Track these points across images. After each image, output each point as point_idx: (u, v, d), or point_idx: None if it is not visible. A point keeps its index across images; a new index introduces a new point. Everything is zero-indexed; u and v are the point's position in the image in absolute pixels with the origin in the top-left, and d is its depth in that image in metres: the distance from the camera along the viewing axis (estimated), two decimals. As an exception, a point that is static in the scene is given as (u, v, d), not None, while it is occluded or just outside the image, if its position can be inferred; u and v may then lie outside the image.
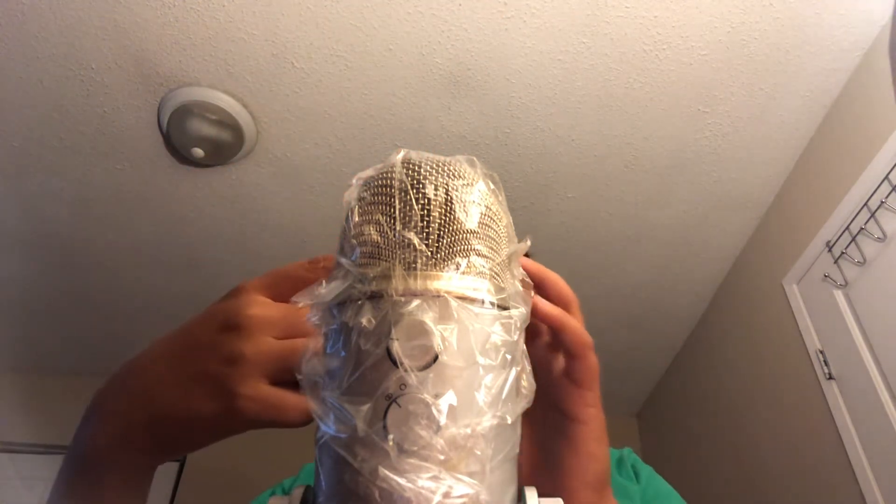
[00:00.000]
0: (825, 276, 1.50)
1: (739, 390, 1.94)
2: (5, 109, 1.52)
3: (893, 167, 1.30)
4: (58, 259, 1.99)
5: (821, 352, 1.52)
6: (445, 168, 0.32)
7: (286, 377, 0.34)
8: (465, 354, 0.29)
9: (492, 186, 0.34)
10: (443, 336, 0.28)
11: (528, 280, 0.34)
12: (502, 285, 0.32)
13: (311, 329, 0.33)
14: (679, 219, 1.81)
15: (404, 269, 0.30)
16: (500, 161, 1.64)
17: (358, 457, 0.27)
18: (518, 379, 0.31)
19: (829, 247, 1.48)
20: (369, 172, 0.34)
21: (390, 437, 0.27)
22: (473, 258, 0.31)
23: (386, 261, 0.30)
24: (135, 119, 1.55)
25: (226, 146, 1.55)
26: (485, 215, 0.32)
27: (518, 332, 0.31)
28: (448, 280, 0.30)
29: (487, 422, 0.28)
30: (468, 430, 0.27)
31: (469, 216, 0.31)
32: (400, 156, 0.33)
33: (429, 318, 0.28)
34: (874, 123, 1.37)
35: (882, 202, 1.32)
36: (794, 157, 1.64)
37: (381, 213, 0.31)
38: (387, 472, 0.26)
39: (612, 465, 0.69)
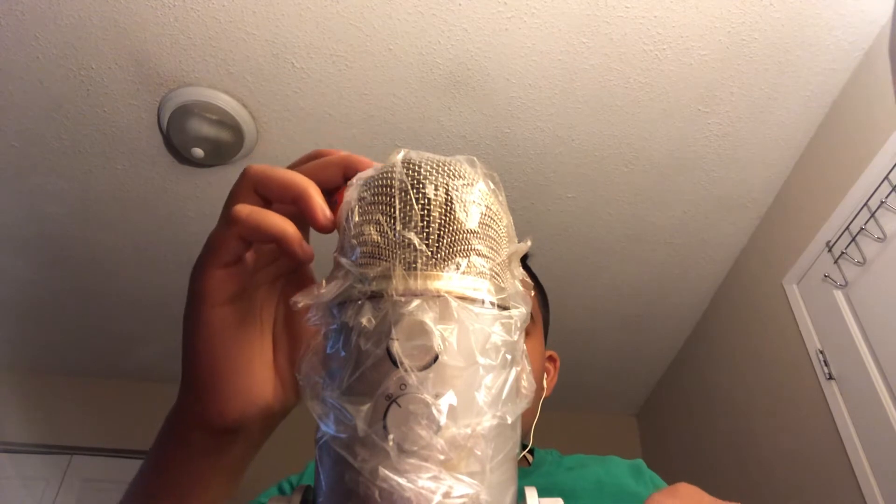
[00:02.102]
0: (825, 276, 1.50)
1: (739, 390, 1.94)
2: (5, 109, 1.52)
3: (893, 167, 1.30)
4: (58, 259, 1.99)
5: (821, 352, 1.52)
6: (445, 168, 0.32)
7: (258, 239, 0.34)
8: (465, 354, 0.29)
9: (492, 186, 0.34)
10: (443, 336, 0.28)
11: (528, 280, 0.34)
12: (502, 285, 0.32)
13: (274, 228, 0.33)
14: (679, 219, 1.81)
15: (404, 269, 0.30)
16: (500, 161, 1.64)
17: (358, 457, 0.27)
18: (518, 379, 0.31)
19: (829, 247, 1.48)
20: (369, 172, 0.34)
21: (390, 437, 0.27)
22: (474, 258, 0.31)
23: (386, 261, 0.30)
24: (135, 119, 1.55)
25: (226, 146, 1.55)
26: (485, 215, 0.32)
27: (518, 332, 0.31)
28: (448, 280, 0.30)
29: (487, 422, 0.28)
30: (468, 430, 0.27)
31: (469, 216, 0.31)
32: (400, 156, 0.33)
33: (429, 318, 0.28)
34: (874, 123, 1.37)
35: (882, 202, 1.32)
36: (794, 157, 1.64)
37: (382, 213, 0.31)
38: (387, 472, 0.26)
39: (625, 474, 0.69)
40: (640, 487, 0.67)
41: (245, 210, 0.34)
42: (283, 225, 0.33)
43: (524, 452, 0.72)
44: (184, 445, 0.37)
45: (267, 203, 0.35)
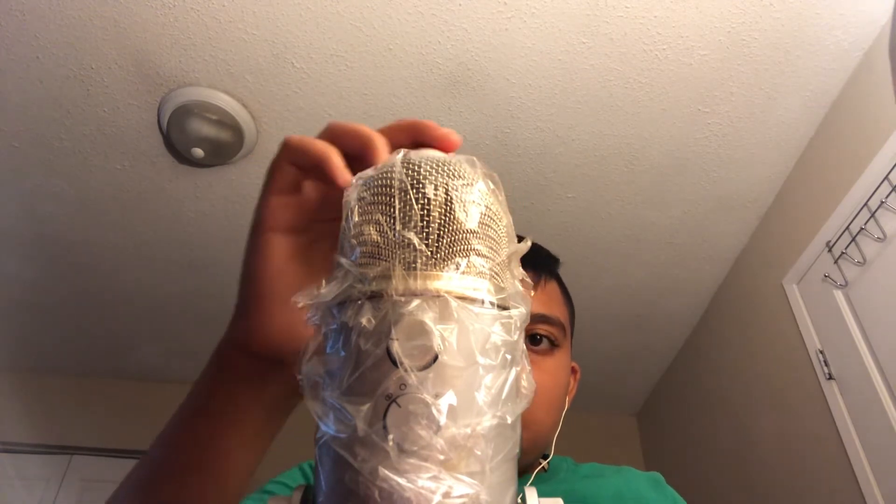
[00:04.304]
0: (825, 276, 1.50)
1: (739, 390, 1.94)
2: (5, 109, 1.52)
3: (893, 167, 1.30)
4: (58, 259, 1.99)
5: (821, 352, 1.52)
6: (445, 168, 0.32)
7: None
8: (465, 354, 0.29)
9: (492, 186, 0.34)
10: (443, 336, 0.28)
11: (527, 280, 0.34)
12: (502, 285, 0.32)
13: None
14: (679, 219, 1.81)
15: (404, 269, 0.30)
16: (500, 161, 1.64)
17: (358, 457, 0.27)
18: (518, 379, 0.31)
19: (829, 247, 1.48)
20: (369, 172, 0.34)
21: (390, 437, 0.27)
22: (473, 258, 0.31)
23: (386, 261, 0.30)
24: (135, 119, 1.55)
25: (226, 146, 1.55)
26: (485, 215, 0.32)
27: (518, 332, 0.31)
28: (448, 280, 0.30)
29: (487, 422, 0.28)
30: (468, 430, 0.27)
31: (469, 216, 0.31)
32: (400, 156, 0.33)
33: (429, 318, 0.28)
34: (874, 123, 1.37)
35: (882, 202, 1.32)
36: (794, 157, 1.64)
37: (381, 213, 0.31)
38: (387, 473, 0.26)
39: (645, 486, 0.68)
40: (660, 499, 0.66)
41: (295, 137, 0.36)
42: (326, 148, 0.35)
43: (545, 463, 0.71)
44: (225, 368, 0.38)
45: (302, 170, 0.37)
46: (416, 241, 0.30)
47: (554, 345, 0.68)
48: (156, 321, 2.26)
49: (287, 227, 0.37)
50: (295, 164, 0.36)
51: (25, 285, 2.10)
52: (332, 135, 0.36)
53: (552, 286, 0.74)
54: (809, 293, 1.59)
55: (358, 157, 0.35)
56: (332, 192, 0.37)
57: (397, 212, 0.31)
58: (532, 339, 0.67)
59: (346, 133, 0.36)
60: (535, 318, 0.67)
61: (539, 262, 0.74)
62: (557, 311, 0.71)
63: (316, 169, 0.35)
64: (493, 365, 0.29)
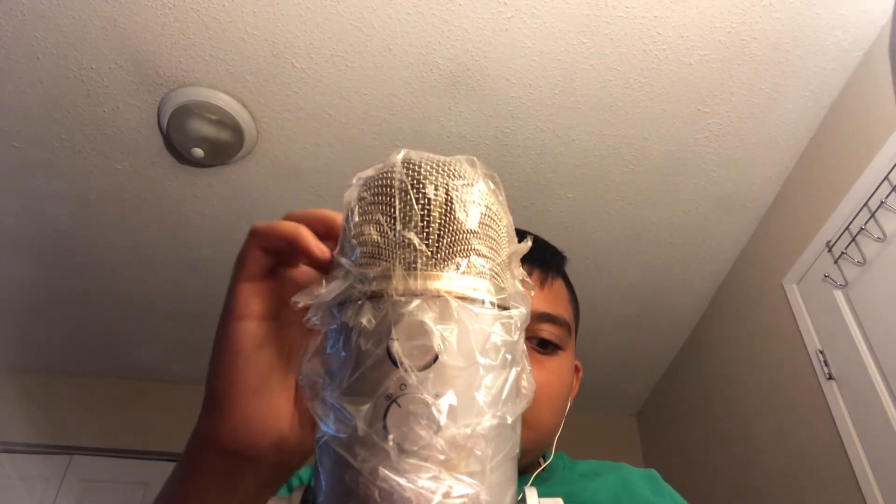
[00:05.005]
0: (825, 276, 1.50)
1: (739, 390, 1.94)
2: (5, 109, 1.52)
3: (893, 167, 1.30)
4: (58, 259, 1.99)
5: (821, 352, 1.52)
6: (445, 168, 0.32)
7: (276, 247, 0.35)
8: (465, 354, 0.29)
9: (492, 186, 0.34)
10: (443, 336, 0.28)
11: (528, 280, 0.34)
12: (502, 285, 0.32)
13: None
14: (679, 219, 1.81)
15: (404, 269, 0.30)
16: (500, 161, 1.64)
17: (358, 457, 0.27)
18: (518, 379, 0.31)
19: (829, 247, 1.48)
20: (369, 172, 0.34)
21: (390, 437, 0.27)
22: (473, 258, 0.31)
23: (386, 261, 0.30)
24: (135, 119, 1.55)
25: (226, 146, 1.55)
26: (485, 215, 0.32)
27: (518, 332, 0.31)
28: (448, 280, 0.30)
29: (487, 422, 0.28)
30: (468, 430, 0.27)
31: (469, 216, 0.31)
32: (400, 156, 0.33)
33: (429, 318, 0.28)
34: (874, 123, 1.37)
35: (882, 202, 1.32)
36: (794, 157, 1.64)
37: (382, 213, 0.31)
38: (387, 473, 0.26)
39: (642, 485, 0.68)
40: (654, 497, 0.66)
41: (263, 223, 0.36)
42: (295, 227, 0.35)
43: (543, 465, 0.71)
44: (196, 466, 0.37)
45: (273, 256, 0.36)
46: (416, 241, 0.30)
47: (559, 345, 0.68)
48: (156, 321, 2.26)
49: (258, 314, 0.36)
50: (265, 248, 0.36)
51: (26, 285, 2.10)
52: (297, 219, 0.36)
53: (558, 284, 0.73)
54: (809, 293, 1.59)
55: (326, 237, 0.35)
56: (302, 276, 0.37)
57: (397, 212, 0.31)
58: (541, 342, 0.67)
59: (310, 216, 0.36)
60: (541, 317, 0.66)
61: (545, 260, 0.73)
62: (563, 310, 0.70)
63: (287, 250, 0.35)
64: (494, 365, 0.29)
